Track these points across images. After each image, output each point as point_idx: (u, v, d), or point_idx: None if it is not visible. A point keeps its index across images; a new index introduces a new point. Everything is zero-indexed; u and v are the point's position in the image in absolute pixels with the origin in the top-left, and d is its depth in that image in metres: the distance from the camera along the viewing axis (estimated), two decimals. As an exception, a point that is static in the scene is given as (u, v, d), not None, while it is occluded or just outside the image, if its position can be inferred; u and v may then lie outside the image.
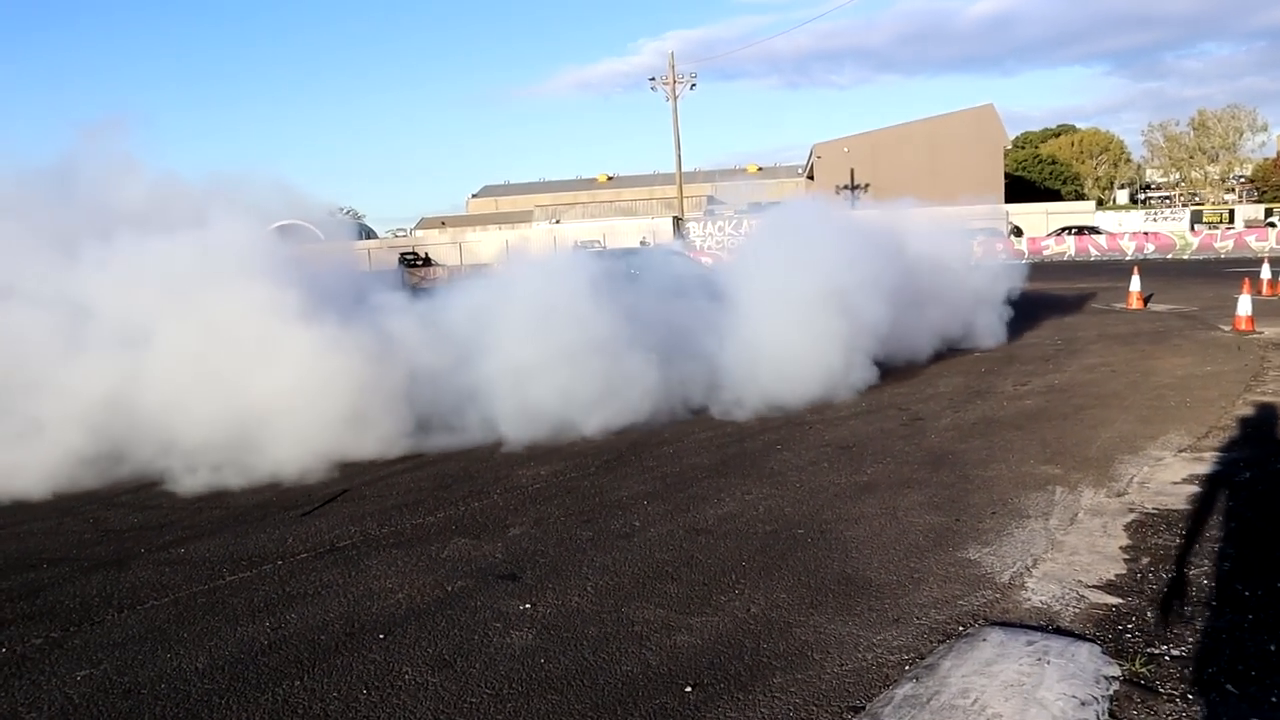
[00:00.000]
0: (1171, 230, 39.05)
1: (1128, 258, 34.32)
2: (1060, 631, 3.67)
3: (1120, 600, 3.96)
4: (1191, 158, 66.05)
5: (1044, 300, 16.64)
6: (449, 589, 4.45)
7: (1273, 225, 38.64)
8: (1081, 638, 3.61)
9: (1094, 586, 4.12)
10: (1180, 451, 6.35)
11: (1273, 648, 3.44)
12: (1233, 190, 66.09)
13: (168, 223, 7.73)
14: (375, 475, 6.75)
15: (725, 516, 5.37)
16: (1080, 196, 64.49)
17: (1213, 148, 65.22)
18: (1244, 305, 12.35)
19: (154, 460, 6.81)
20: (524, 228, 54.37)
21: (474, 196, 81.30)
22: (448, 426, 7.61)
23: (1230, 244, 33.95)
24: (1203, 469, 5.89)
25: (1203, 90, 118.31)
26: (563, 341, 7.69)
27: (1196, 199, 62.89)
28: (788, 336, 8.92)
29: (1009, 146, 64.19)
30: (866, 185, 52.49)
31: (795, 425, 7.87)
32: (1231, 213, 46.25)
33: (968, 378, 9.88)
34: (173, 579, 4.80)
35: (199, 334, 6.83)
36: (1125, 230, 41.43)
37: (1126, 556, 4.47)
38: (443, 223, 68.38)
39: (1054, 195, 64.27)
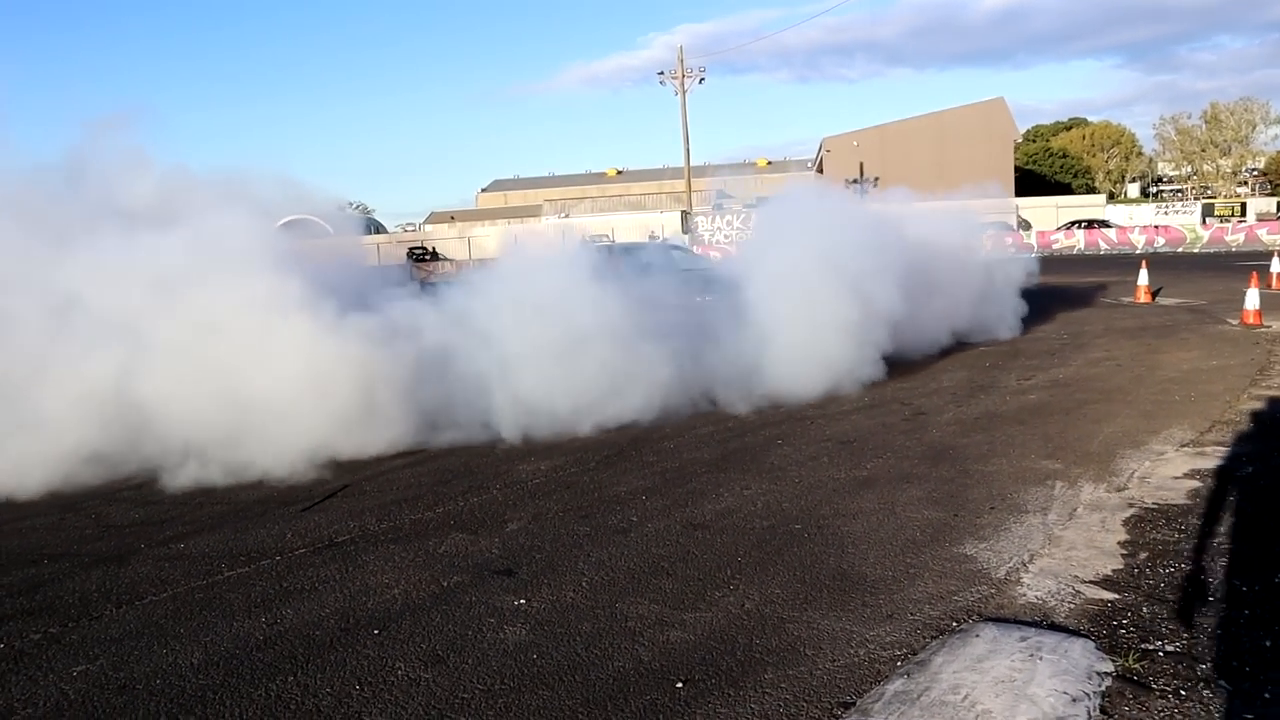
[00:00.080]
0: (1182, 224, 38.81)
1: (1137, 251, 34.13)
2: (1054, 627, 3.66)
3: (1116, 596, 3.94)
4: (1203, 151, 65.58)
5: (1052, 294, 16.55)
6: (445, 584, 4.46)
7: (1285, 218, 38.37)
8: (1075, 633, 3.59)
9: (1090, 582, 4.10)
10: (1182, 446, 6.32)
11: (1268, 643, 3.42)
12: (1245, 183, 65.64)
13: (176, 217, 7.77)
14: (376, 470, 6.77)
15: (723, 511, 5.37)
16: (1091, 190, 64.13)
17: (1225, 141, 64.73)
18: (1252, 299, 12.26)
19: (156, 456, 6.84)
20: (532, 222, 54.37)
21: (483, 191, 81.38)
22: (449, 422, 7.61)
23: (1241, 237, 33.71)
24: (1205, 464, 5.86)
25: (1216, 83, 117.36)
26: (563, 337, 7.69)
27: (1209, 192, 62.46)
28: (791, 331, 8.91)
29: (1019, 140, 63.89)
30: (876, 179, 52.30)
31: (797, 420, 7.86)
32: (1243, 205, 45.89)
33: (972, 372, 9.84)
34: (172, 574, 4.83)
35: (200, 329, 6.85)
36: (1135, 224, 41.18)
37: (1124, 552, 4.45)
38: (452, 217, 68.45)
39: (1065, 189, 63.99)
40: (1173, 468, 5.83)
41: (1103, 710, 3.03)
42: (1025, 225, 40.68)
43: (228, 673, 3.65)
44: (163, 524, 5.76)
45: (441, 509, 5.74)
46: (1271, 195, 53.32)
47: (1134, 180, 72.94)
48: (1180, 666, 3.29)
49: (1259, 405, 7.37)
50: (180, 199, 8.29)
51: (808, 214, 10.11)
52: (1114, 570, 4.23)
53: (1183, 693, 3.12)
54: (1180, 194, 66.07)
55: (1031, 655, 3.36)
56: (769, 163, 72.73)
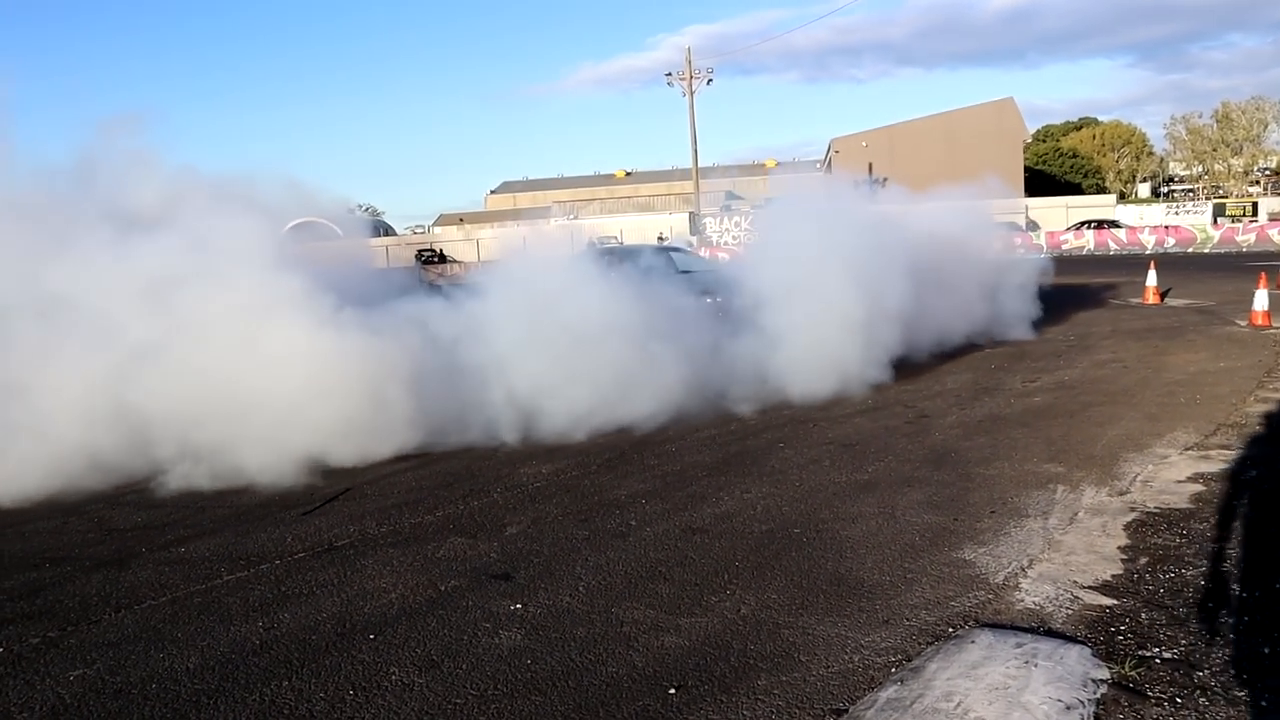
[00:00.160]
0: (1192, 224, 38.55)
1: (1147, 252, 33.94)
2: (1051, 633, 3.63)
3: (1114, 601, 3.91)
4: (1215, 150, 65.17)
5: (1059, 295, 16.46)
6: (442, 589, 4.46)
7: (1297, 218, 38.11)
8: (1072, 640, 3.57)
9: (1089, 587, 4.08)
10: (1186, 449, 6.28)
11: (1266, 650, 3.39)
12: (1257, 182, 65.21)
13: (181, 218, 7.80)
14: (377, 474, 6.78)
15: (722, 515, 5.36)
16: (1102, 190, 63.85)
17: (1236, 140, 64.32)
18: (1260, 300, 12.18)
19: (156, 460, 6.87)
20: (540, 224, 54.41)
21: (492, 193, 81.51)
22: (452, 425, 7.61)
23: (1252, 237, 33.46)
24: (1208, 467, 5.82)
25: (1228, 82, 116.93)
26: (565, 341, 7.69)
27: (1220, 192, 62.07)
28: (796, 333, 8.90)
29: (1029, 140, 63.65)
30: (885, 179, 52.17)
31: (800, 422, 7.84)
32: (1255, 205, 45.58)
33: (977, 374, 9.81)
34: (171, 578, 4.84)
35: (199, 331, 6.87)
36: (1146, 224, 40.95)
37: (1124, 557, 4.42)
38: (461, 219, 68.54)
39: (1075, 189, 63.72)
40: (1176, 471, 5.79)
41: (1097, 718, 3.01)
42: (1033, 226, 40.47)
43: (223, 677, 3.66)
44: (164, 528, 5.78)
45: (441, 512, 5.75)
46: (1284, 195, 52.98)
47: (1145, 180, 72.56)
48: (1177, 674, 3.27)
49: (1265, 408, 7.32)
50: (187, 200, 8.31)
51: (813, 215, 10.07)
52: (1113, 576, 4.20)
53: (1179, 700, 3.09)
54: (1192, 194, 65.67)
55: (1027, 662, 3.34)
56: (778, 163, 72.63)
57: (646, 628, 3.87)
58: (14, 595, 4.71)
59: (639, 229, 47.70)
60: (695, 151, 46.07)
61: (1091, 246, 37.30)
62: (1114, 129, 74.18)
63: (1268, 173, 65.40)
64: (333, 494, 6.30)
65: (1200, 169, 68.23)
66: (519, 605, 4.19)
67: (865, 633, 3.71)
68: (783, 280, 9.08)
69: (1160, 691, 3.15)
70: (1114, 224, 40.53)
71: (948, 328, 11.19)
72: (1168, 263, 25.08)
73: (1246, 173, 65.25)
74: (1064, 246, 37.21)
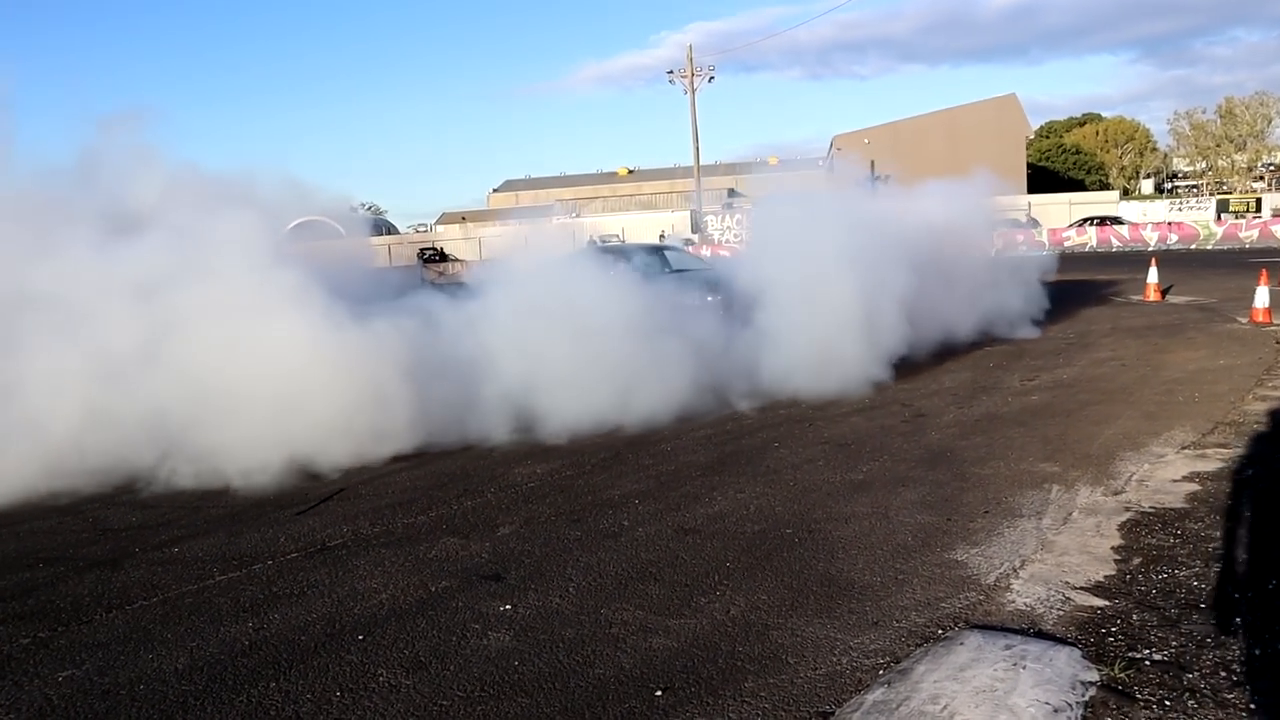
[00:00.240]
0: (1196, 220, 38.40)
1: (1150, 248, 33.83)
2: (1041, 635, 3.62)
3: (1106, 602, 3.90)
4: (1218, 146, 64.93)
5: (1060, 292, 16.40)
6: (432, 589, 4.45)
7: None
8: (1062, 641, 3.55)
9: (1080, 588, 4.06)
10: (1183, 448, 6.25)
11: (1258, 652, 3.38)
12: (1261, 178, 64.98)
13: (174, 214, 7.79)
14: (372, 474, 6.78)
15: (715, 515, 5.34)
16: (1105, 186, 63.65)
17: (1240, 136, 64.07)
18: (1261, 297, 12.13)
19: (153, 460, 6.87)
20: (541, 222, 54.37)
21: (495, 191, 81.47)
22: (448, 425, 7.60)
23: (1255, 233, 33.33)
24: (1205, 467, 5.79)
25: (1232, 77, 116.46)
26: (561, 339, 7.68)
27: (1224, 188, 61.84)
28: (793, 332, 8.88)
29: (1032, 136, 63.48)
30: (888, 176, 52.06)
31: (796, 422, 7.83)
32: (1259, 201, 45.41)
33: (975, 372, 9.78)
34: (163, 579, 4.84)
35: (196, 329, 6.88)
36: (1149, 220, 40.82)
37: (1118, 557, 4.40)
38: (463, 218, 68.51)
39: (1078, 185, 63.53)
40: (1172, 470, 5.76)
41: (1084, 721, 2.99)
42: (1034, 223, 40.36)
43: (211, 678, 3.66)
44: (158, 528, 5.78)
45: (435, 513, 5.74)
46: (1288, 190, 52.80)
47: (1148, 176, 72.32)
48: (1167, 676, 3.25)
49: (1264, 406, 7.29)
50: (188, 198, 8.30)
51: (808, 212, 10.04)
52: (1106, 576, 4.18)
53: (1167, 703, 3.07)
54: (1195, 190, 65.44)
55: (1015, 664, 3.32)
56: (780, 160, 72.50)
57: (635, 629, 3.86)
58: (6, 595, 4.72)
59: (641, 227, 47.70)
60: (697, 149, 46.04)
61: (1094, 243, 37.18)
62: (1117, 125, 73.93)
63: (1272, 168, 65.17)
64: (327, 494, 6.29)
65: (1204, 165, 67.98)
66: (509, 606, 4.18)
67: (854, 634, 3.70)
68: (778, 278, 9.06)
69: (1149, 694, 3.13)
70: (1116, 220, 40.40)
71: (947, 326, 11.16)
72: (1170, 259, 25.01)
73: (1250, 168, 65.00)
74: (1066, 243, 37.06)
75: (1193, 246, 34.01)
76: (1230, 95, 65.81)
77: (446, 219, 71.57)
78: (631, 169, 78.99)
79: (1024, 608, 3.88)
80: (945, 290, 11.08)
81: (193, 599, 4.53)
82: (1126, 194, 61.20)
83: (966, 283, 11.78)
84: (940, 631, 3.69)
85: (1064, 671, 3.28)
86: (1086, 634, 3.61)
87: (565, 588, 4.37)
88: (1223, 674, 3.24)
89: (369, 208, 76.09)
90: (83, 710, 3.46)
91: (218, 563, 5.04)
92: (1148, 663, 3.35)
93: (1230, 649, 3.41)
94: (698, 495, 5.78)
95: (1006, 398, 8.33)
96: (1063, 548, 4.55)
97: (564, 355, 7.78)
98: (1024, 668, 3.29)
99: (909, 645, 3.58)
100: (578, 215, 58.65)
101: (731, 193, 61.13)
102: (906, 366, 10.02)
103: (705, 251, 31.26)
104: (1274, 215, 38.59)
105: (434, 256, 44.43)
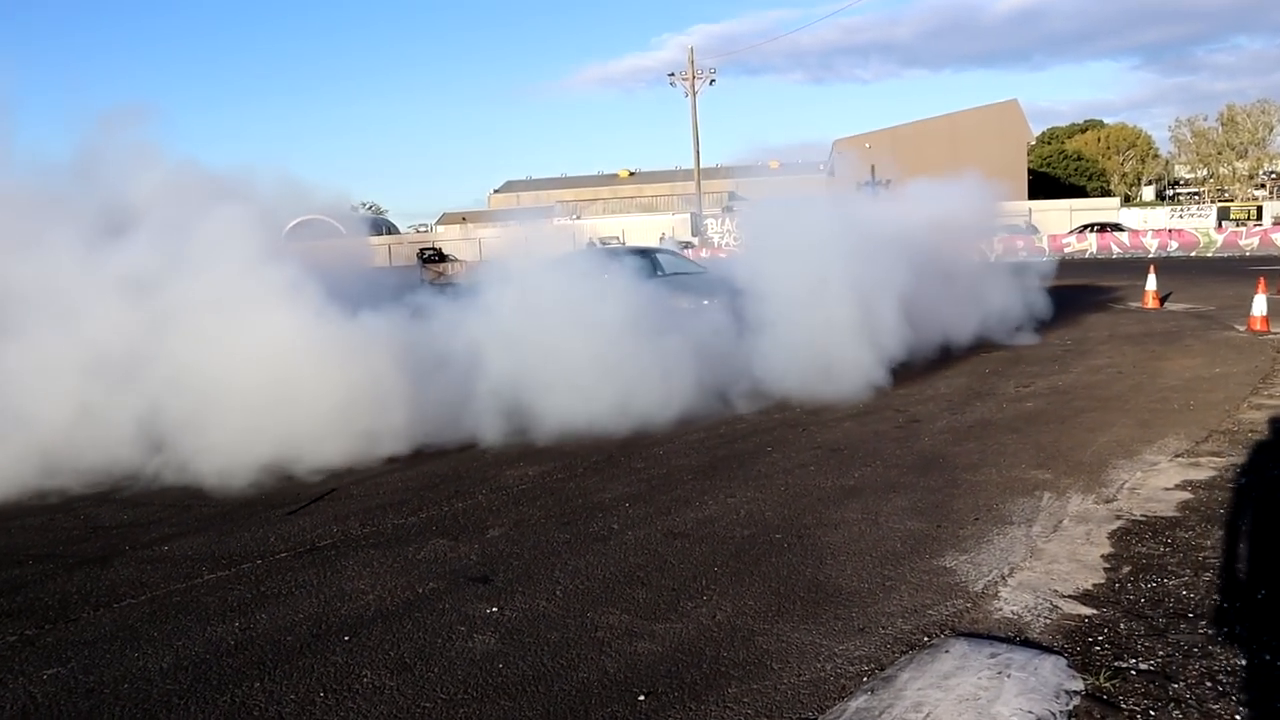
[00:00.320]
0: (1196, 227, 38.41)
1: (1150, 255, 33.84)
2: (1027, 643, 3.61)
3: (1094, 611, 3.89)
4: (1219, 154, 64.90)
5: (1059, 298, 16.38)
6: (420, 591, 4.44)
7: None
8: (1048, 650, 3.54)
9: (1069, 596, 4.05)
10: (1177, 456, 6.24)
11: (1244, 663, 3.37)
12: (1263, 186, 64.94)
13: (177, 210, 7.78)
14: (364, 474, 6.77)
15: (705, 520, 5.33)
16: (1106, 193, 63.66)
17: (1241, 143, 64.04)
18: (1259, 305, 12.13)
19: (145, 458, 6.87)
20: (539, 223, 54.32)
21: (496, 192, 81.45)
22: (439, 425, 7.59)
23: (1256, 241, 33.34)
24: (1197, 475, 5.78)
25: (1234, 84, 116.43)
26: (555, 343, 7.68)
27: (1225, 195, 61.83)
28: (788, 336, 8.88)
29: (1033, 142, 63.48)
30: (889, 181, 52.05)
31: (789, 426, 7.82)
32: (1260, 209, 45.40)
33: (971, 379, 9.77)
34: (152, 577, 4.84)
35: (189, 328, 6.88)
36: (1149, 227, 40.81)
37: (1107, 566, 4.39)
38: (464, 218, 68.50)
39: (1080, 191, 63.53)
40: (1164, 479, 5.75)
41: (1067, 730, 2.98)
42: (1032, 229, 40.34)
43: (195, 678, 3.65)
44: (149, 525, 5.77)
45: (425, 514, 5.73)
46: (1289, 199, 52.76)
47: (1150, 183, 72.29)
48: (1152, 686, 3.24)
49: (1258, 414, 7.28)
50: (186, 195, 8.30)
51: (801, 215, 10.03)
52: (1094, 585, 4.17)
53: (1152, 713, 3.07)
54: (1197, 197, 65.39)
55: (1000, 673, 3.31)
56: (781, 164, 72.45)
57: (620, 633, 3.85)
58: (-7, 593, 4.71)
59: (641, 230, 47.68)
60: (697, 152, 46.13)
61: (1094, 250, 37.20)
62: (1119, 131, 73.94)
63: (1273, 176, 65.13)
64: (318, 494, 6.29)
65: (1205, 172, 67.96)
66: (495, 608, 4.18)
67: (839, 641, 3.69)
68: (772, 282, 9.05)
69: (1134, 704, 3.12)
70: (1117, 227, 40.43)
71: (943, 331, 11.15)
72: (1170, 266, 25.01)
73: (1251, 176, 64.97)
74: (1066, 250, 37.08)
75: (1193, 254, 34.03)
76: (1232, 103, 65.89)
77: (447, 219, 71.56)
78: (633, 171, 78.94)
79: (1011, 616, 3.88)
80: (941, 294, 11.07)
81: (180, 598, 4.52)
82: (1128, 201, 61.19)
83: (963, 287, 11.77)
84: (926, 639, 3.68)
85: (1048, 680, 3.27)
86: (1073, 643, 3.60)
87: (552, 591, 4.36)
88: (1209, 684, 3.23)
89: (370, 207, 76.16)
90: (66, 709, 3.45)
91: (207, 561, 5.04)
92: (1134, 672, 3.34)
93: (1217, 659, 3.40)
94: (688, 499, 5.78)
95: (1001, 404, 8.33)
96: (1052, 555, 4.54)
97: (557, 357, 7.78)
98: (1008, 676, 3.28)
99: (894, 652, 3.57)
100: (578, 217, 58.62)
101: (732, 196, 61.11)
102: (902, 371, 9.99)
103: (704, 254, 31.25)
104: (1275, 223, 38.61)
105: (433, 256, 44.44)
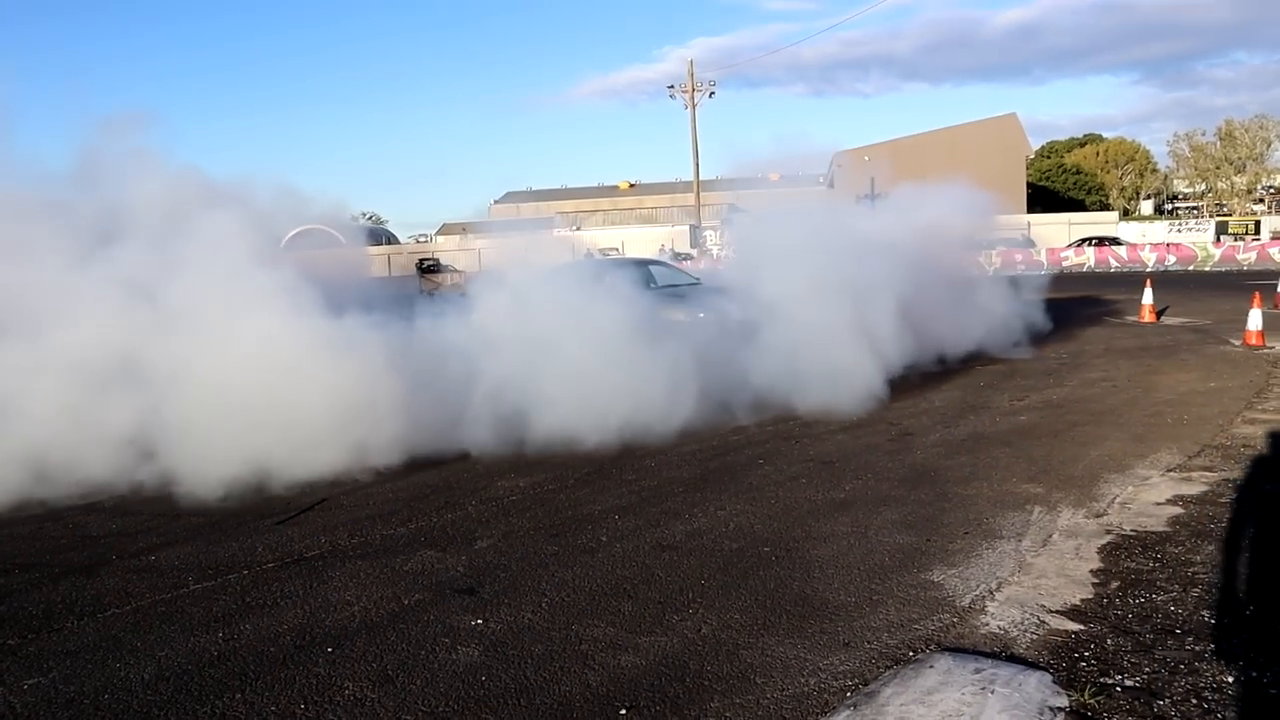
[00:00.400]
0: (1194, 242, 38.43)
1: (1148, 269, 33.85)
2: (1012, 659, 3.59)
3: (1081, 627, 3.87)
4: (1218, 168, 65.02)
5: (1055, 312, 16.39)
6: (405, 602, 4.42)
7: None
8: (1033, 666, 3.52)
9: (1056, 612, 4.03)
10: (1169, 471, 6.23)
11: (1230, 679, 3.35)
12: (1261, 200, 65.04)
13: (171, 218, 7.79)
14: (354, 485, 6.75)
15: (693, 532, 5.32)
16: (1105, 207, 63.74)
17: (1239, 158, 64.16)
18: (1254, 320, 12.13)
19: (135, 467, 6.86)
20: (539, 234, 54.39)
21: (496, 203, 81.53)
22: (431, 436, 7.56)
23: (1253, 256, 33.35)
24: (1189, 490, 5.77)
25: (1232, 99, 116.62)
26: (548, 354, 7.67)
27: (1223, 210, 61.93)
28: (782, 348, 8.88)
29: (1032, 156, 63.61)
30: (888, 194, 52.12)
31: (782, 438, 7.80)
32: (1258, 224, 45.45)
33: (965, 392, 9.76)
34: (138, 587, 4.82)
35: (181, 336, 6.87)
36: (1147, 241, 40.85)
37: (1095, 581, 4.37)
38: (464, 228, 68.57)
39: (1078, 205, 63.63)
40: (1156, 493, 5.74)
41: (1050, 747, 2.96)
42: (1029, 243, 40.38)
43: (177, 689, 3.63)
44: (137, 535, 5.76)
45: (414, 525, 5.72)
46: (1287, 214, 52.83)
47: (1148, 197, 72.40)
48: (1137, 702, 3.22)
49: (1252, 429, 7.27)
50: (189, 200, 8.30)
51: (793, 226, 10.04)
52: (1082, 600, 4.15)
53: (1136, 729, 3.05)
54: (1195, 211, 65.47)
55: (984, 688, 3.29)
56: (780, 176, 72.57)
57: (605, 646, 3.83)
58: (-23, 602, 4.69)
59: (641, 241, 47.73)
60: (696, 164, 46.21)
61: (1092, 263, 37.21)
62: (1118, 146, 74.08)
63: (1271, 191, 65.25)
64: (307, 504, 6.27)
65: (1204, 187, 68.09)
66: (480, 621, 4.16)
67: (824, 655, 3.67)
68: (766, 294, 9.05)
69: (1117, 720, 3.10)
70: (1115, 241, 40.45)
71: (938, 344, 11.15)
72: (1167, 280, 25.02)
73: (1250, 191, 65.08)
74: (1065, 263, 37.10)
75: (1190, 268, 34.02)
76: (1230, 118, 65.98)
77: (447, 230, 71.65)
78: (633, 182, 79.11)
79: (997, 631, 3.86)
80: (936, 307, 11.06)
81: (165, 607, 4.51)
82: (1126, 215, 61.27)
83: (958, 300, 11.76)
84: (911, 653, 3.66)
85: (1033, 696, 3.25)
86: (1059, 658, 3.58)
87: (538, 603, 4.34)
88: (1194, 701, 3.21)
89: (371, 217, 76.22)
90: (45, 719, 3.43)
91: (193, 571, 5.02)
92: (1119, 689, 3.32)
93: (1204, 676, 3.38)
94: (678, 511, 5.76)
95: (994, 417, 8.32)
96: (1040, 570, 4.53)
97: (548, 368, 7.77)
98: (992, 692, 3.26)
99: (879, 667, 3.55)
100: (578, 228, 58.68)
101: (731, 208, 61.18)
102: (896, 385, 9.97)
103: (701, 265, 31.25)
104: (1272, 238, 38.61)
105: (432, 267, 44.49)
